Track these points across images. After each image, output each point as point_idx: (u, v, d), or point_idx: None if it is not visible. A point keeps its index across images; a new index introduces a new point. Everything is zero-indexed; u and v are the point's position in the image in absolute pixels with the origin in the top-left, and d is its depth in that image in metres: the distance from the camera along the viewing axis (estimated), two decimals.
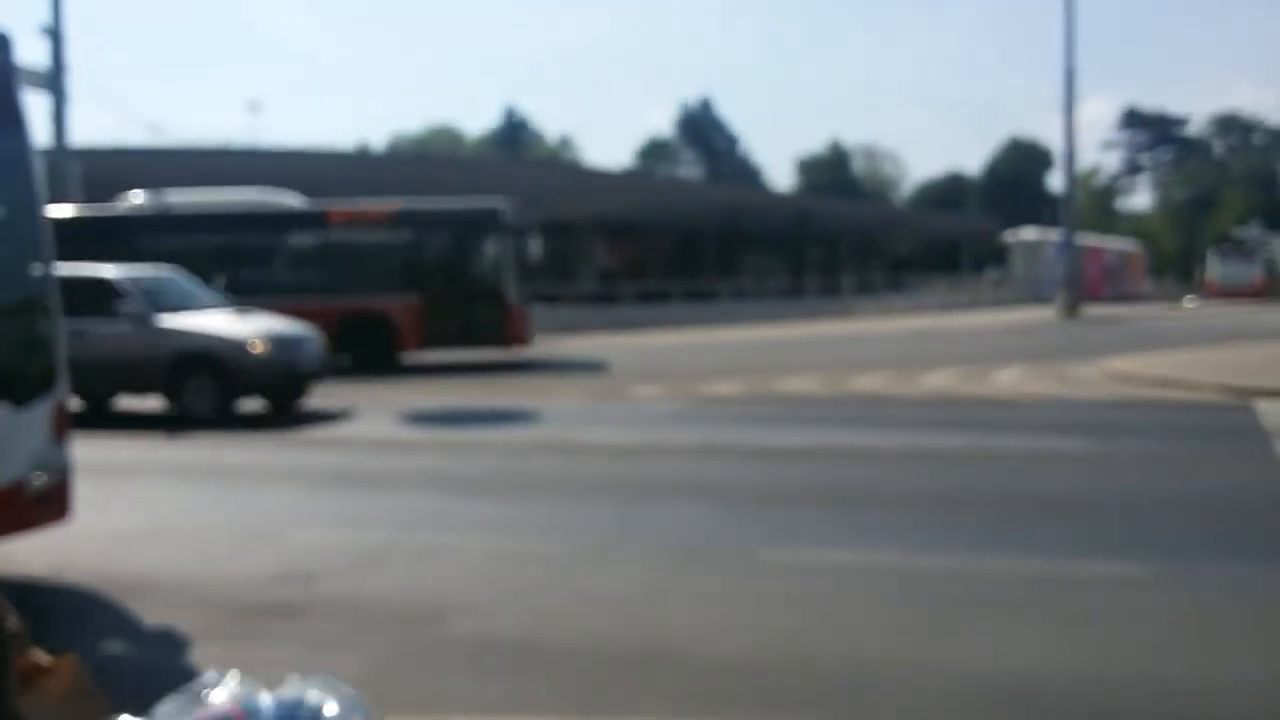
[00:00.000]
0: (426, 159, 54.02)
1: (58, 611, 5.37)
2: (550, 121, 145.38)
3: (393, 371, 17.29)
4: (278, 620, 5.04)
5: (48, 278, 5.48)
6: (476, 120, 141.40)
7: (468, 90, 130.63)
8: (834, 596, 5.22)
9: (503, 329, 17.78)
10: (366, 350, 17.22)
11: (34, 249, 5.42)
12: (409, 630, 4.85)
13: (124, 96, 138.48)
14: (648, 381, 15.06)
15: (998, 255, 56.96)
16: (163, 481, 8.77)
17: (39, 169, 5.40)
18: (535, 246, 19.97)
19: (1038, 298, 45.50)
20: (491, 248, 18.18)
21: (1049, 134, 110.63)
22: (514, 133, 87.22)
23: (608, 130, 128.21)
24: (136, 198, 18.45)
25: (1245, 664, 4.23)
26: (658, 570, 5.76)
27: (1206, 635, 4.57)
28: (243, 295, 14.69)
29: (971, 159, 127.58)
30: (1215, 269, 57.01)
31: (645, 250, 50.98)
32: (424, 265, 18.18)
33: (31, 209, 5.42)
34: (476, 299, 17.83)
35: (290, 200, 18.93)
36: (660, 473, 8.77)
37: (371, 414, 12.24)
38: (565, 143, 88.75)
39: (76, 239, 13.93)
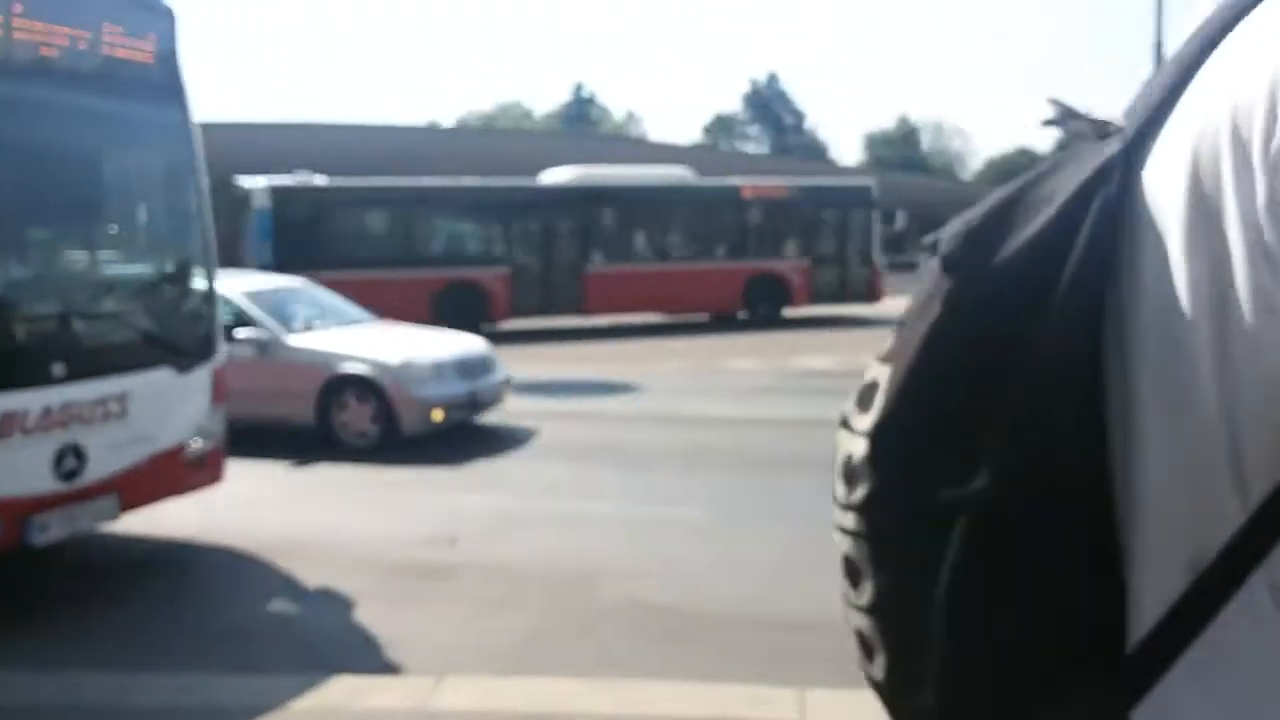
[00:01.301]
0: (492, 134, 54.34)
1: (214, 570, 5.52)
2: (618, 98, 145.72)
3: (781, 325, 19.71)
4: (433, 581, 5.13)
5: (207, 245, 5.59)
6: (545, 97, 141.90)
7: (536, 68, 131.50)
8: None
9: (872, 288, 21.11)
10: (766, 305, 20.42)
11: (195, 216, 5.55)
12: (564, 595, 4.91)
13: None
14: (741, 354, 15.01)
15: None
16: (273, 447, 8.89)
17: (199, 140, 5.50)
18: (901, 219, 22.43)
19: None
20: (862, 219, 21.31)
21: (1117, 113, 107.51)
22: (581, 109, 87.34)
23: (674, 107, 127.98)
24: (561, 174, 20.60)
25: None
26: (794, 540, 5.73)
27: None
28: (662, 260, 19.78)
29: (1041, 135, 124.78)
30: None
31: None
32: (813, 233, 21.08)
33: (191, 178, 5.53)
34: (851, 263, 21.17)
35: (675, 173, 21.53)
36: (776, 443, 8.74)
37: None
38: (631, 118, 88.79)
39: (516, 211, 19.62)
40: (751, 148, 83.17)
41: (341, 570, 5.28)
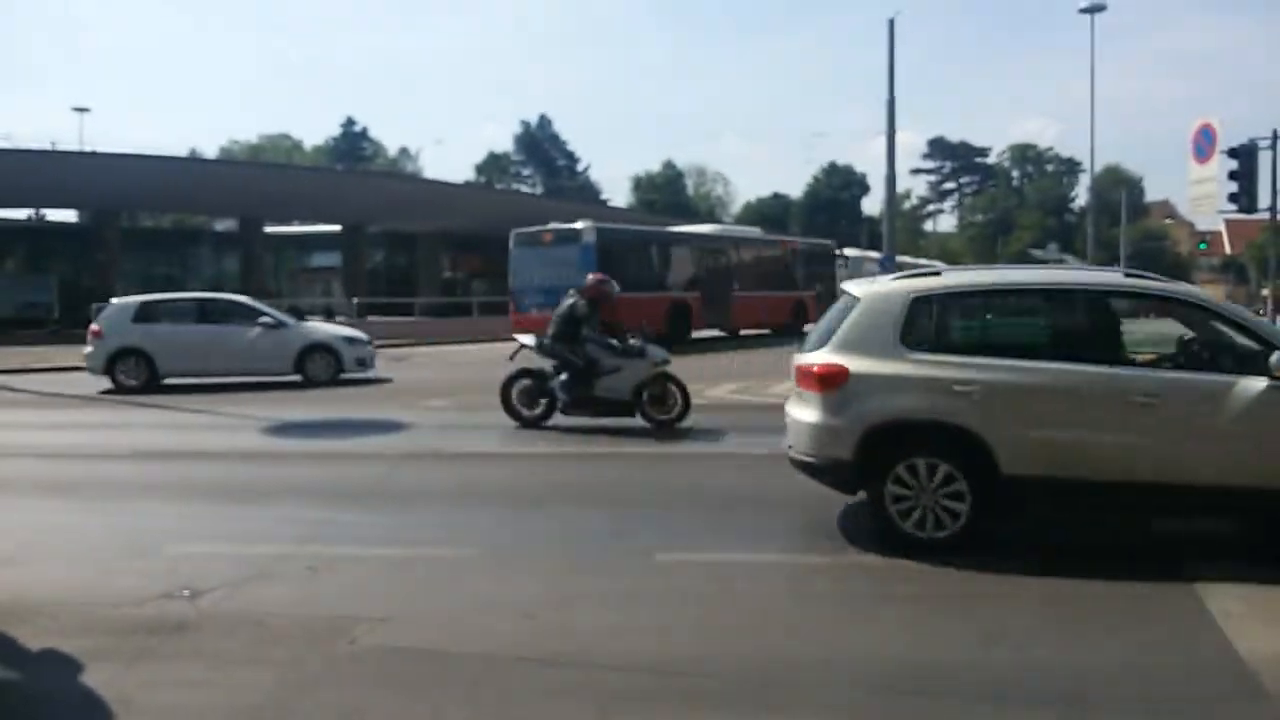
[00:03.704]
0: (267, 168, 51.88)
1: None
2: (388, 132, 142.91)
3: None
4: (172, 638, 4.85)
5: None
6: (313, 129, 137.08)
7: (303, 99, 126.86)
8: (731, 595, 5.43)
9: None
10: (795, 320, 29.38)
11: None
12: (313, 645, 4.77)
13: None
14: None
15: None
16: (21, 499, 8.15)
17: None
18: (840, 266, 34.14)
19: None
20: (830, 265, 33.24)
21: (862, 162, 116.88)
22: (353, 143, 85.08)
23: (445, 143, 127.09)
24: (706, 227, 32.38)
25: (1108, 645, 4.67)
26: (555, 574, 5.84)
27: (1071, 620, 5.01)
28: (759, 290, 29.87)
29: (794, 183, 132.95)
30: None
31: (487, 261, 50.66)
32: (811, 274, 32.41)
33: None
34: (826, 295, 29.51)
35: (755, 231, 33.99)
36: (540, 479, 8.83)
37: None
38: (405, 154, 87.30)
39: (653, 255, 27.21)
40: (525, 188, 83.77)
41: (69, 630, 4.90)
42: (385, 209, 40.68)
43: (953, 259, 79.98)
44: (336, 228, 43.68)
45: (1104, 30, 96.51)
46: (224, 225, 47.89)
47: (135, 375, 16.16)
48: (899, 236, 42.12)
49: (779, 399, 12.69)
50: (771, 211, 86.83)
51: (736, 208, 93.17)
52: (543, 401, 11.37)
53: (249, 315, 17.03)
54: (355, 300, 29.79)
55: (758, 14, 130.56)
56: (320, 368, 16.66)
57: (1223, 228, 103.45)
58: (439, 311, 29.02)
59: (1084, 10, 67.35)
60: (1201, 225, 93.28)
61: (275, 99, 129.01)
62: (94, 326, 16.72)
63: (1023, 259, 69.39)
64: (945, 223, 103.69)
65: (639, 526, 7.02)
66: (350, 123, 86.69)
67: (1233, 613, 5.00)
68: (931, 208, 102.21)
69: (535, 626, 4.98)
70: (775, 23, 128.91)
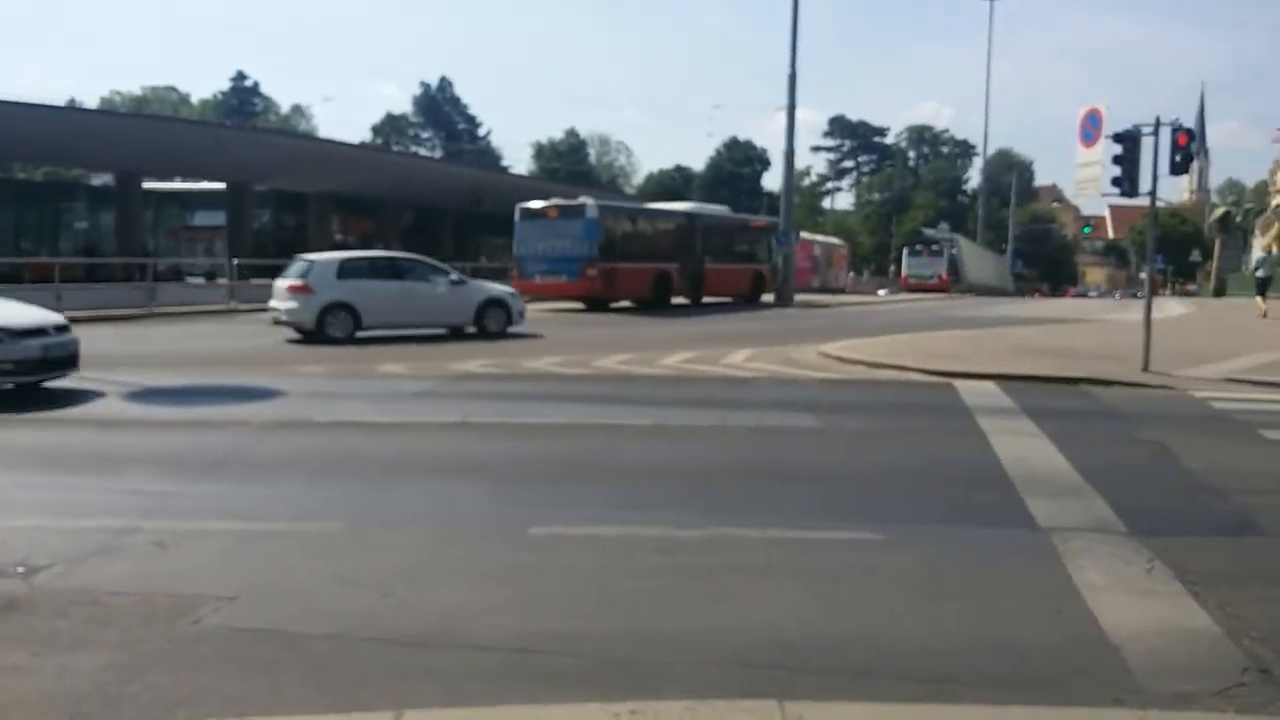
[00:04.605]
0: (148, 119, 49.24)
1: None
2: (281, 89, 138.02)
3: (760, 305, 32.42)
4: None
5: None
6: (202, 83, 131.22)
7: (192, 51, 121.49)
8: (604, 569, 5.29)
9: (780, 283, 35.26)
10: (753, 290, 33.58)
11: None
12: (153, 625, 4.46)
13: None
14: (394, 359, 14.64)
15: None
16: None
17: None
18: (794, 238, 37.00)
19: None
20: (774, 243, 34.57)
21: (762, 137, 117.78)
22: (244, 98, 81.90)
23: (340, 102, 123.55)
24: (684, 205, 35.86)
25: (975, 621, 4.68)
26: (423, 549, 5.61)
27: (939, 595, 5.00)
28: (728, 261, 32.56)
29: (695, 156, 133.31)
30: (907, 265, 63.27)
31: (381, 226, 49.40)
32: (767, 249, 34.79)
33: None
34: (776, 269, 34.60)
35: (723, 209, 37.01)
36: (418, 450, 8.55)
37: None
38: (299, 111, 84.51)
39: (629, 229, 29.53)
40: (424, 151, 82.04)
41: None
42: (274, 167, 39.23)
43: (850, 237, 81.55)
44: (221, 185, 42.01)
45: (1000, 18, 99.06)
46: (101, 180, 45.59)
47: (343, 327, 17.49)
48: (798, 213, 42.77)
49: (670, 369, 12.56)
50: (673, 184, 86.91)
51: (639, 179, 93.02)
52: None
53: (434, 272, 19.03)
54: (236, 261, 28.61)
55: None
56: (494, 320, 18.89)
57: (1107, 213, 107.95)
58: None
59: None
60: (1087, 210, 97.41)
61: (162, 49, 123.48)
62: (297, 282, 17.78)
63: (914, 238, 71.12)
64: (843, 200, 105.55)
65: (516, 499, 6.83)
66: (241, 77, 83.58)
67: (1097, 585, 5.06)
68: (830, 185, 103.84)
69: (392, 604, 4.75)
70: None
